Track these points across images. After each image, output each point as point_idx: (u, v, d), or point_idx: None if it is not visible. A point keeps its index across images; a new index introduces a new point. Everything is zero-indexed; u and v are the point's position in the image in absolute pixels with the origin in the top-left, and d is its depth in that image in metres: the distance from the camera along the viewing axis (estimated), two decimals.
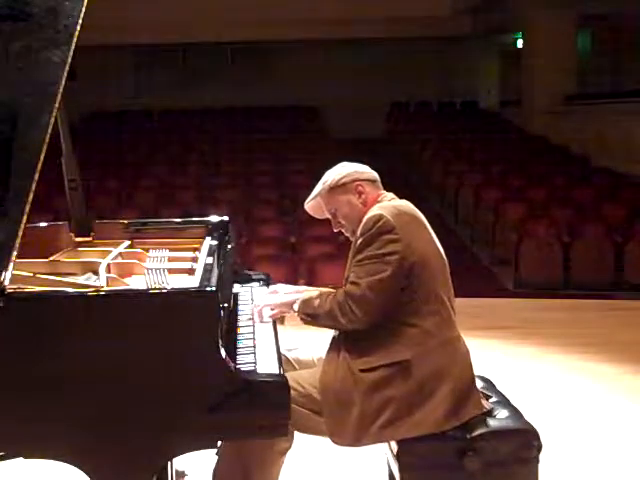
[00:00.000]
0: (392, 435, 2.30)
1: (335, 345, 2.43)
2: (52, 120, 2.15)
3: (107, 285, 2.36)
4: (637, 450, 3.64)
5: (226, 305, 2.35)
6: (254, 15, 14.35)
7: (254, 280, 3.12)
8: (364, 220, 2.38)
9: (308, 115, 15.87)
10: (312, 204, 2.59)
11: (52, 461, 2.05)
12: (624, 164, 11.23)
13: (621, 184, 10.55)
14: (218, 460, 2.46)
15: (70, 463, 2.03)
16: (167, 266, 2.74)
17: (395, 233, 2.32)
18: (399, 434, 2.29)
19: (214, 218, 3.27)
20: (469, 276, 7.58)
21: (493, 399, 2.53)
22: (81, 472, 2.03)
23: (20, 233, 2.03)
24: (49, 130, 2.14)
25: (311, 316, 2.41)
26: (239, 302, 2.83)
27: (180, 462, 2.99)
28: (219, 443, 2.30)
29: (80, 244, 3.11)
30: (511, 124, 15.29)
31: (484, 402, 2.43)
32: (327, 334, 2.51)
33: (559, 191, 10.27)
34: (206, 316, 2.02)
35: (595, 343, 5.50)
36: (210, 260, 2.59)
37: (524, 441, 2.33)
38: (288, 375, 2.19)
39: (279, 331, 2.54)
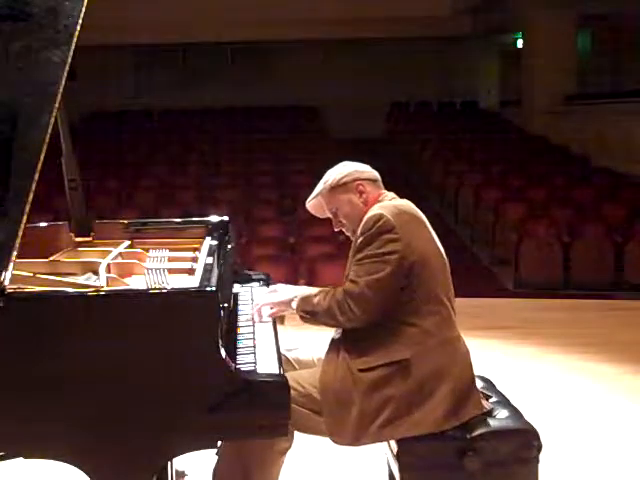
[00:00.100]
0: (391, 434, 2.30)
1: (335, 345, 2.43)
2: (52, 120, 2.15)
3: (107, 285, 2.36)
4: (637, 450, 3.64)
5: (226, 305, 2.35)
6: (254, 15, 14.35)
7: (254, 280, 3.12)
8: (364, 219, 2.39)
9: (308, 115, 15.87)
10: (313, 203, 2.60)
11: (52, 461, 2.05)
12: (624, 164, 11.23)
13: (621, 184, 10.55)
14: (218, 460, 2.46)
15: (70, 463, 2.03)
16: (167, 266, 2.74)
17: (395, 232, 2.32)
18: (398, 433, 2.29)
19: (214, 218, 3.27)
20: (469, 276, 7.58)
21: (493, 399, 2.53)
22: (81, 472, 2.03)
23: (20, 233, 2.03)
24: (49, 130, 2.14)
25: (310, 313, 2.42)
26: (239, 302, 2.83)
27: (180, 462, 2.99)
28: (219, 443, 2.30)
29: (80, 244, 3.11)
30: (511, 124, 15.29)
31: (484, 402, 2.43)
32: (327, 334, 2.51)
33: (559, 191, 10.27)
34: (206, 316, 2.02)
35: (595, 343, 5.50)
36: (210, 260, 2.59)
37: (524, 441, 2.33)
38: (288, 375, 2.19)
39: (279, 331, 2.54)
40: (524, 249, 8.28)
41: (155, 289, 2.34)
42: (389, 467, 2.65)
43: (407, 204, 2.48)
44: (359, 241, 2.37)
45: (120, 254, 2.86)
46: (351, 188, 2.51)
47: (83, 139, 10.98)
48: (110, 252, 2.80)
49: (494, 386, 2.67)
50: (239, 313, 2.70)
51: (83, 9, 2.30)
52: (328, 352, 2.44)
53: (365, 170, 2.57)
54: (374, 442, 2.34)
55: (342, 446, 2.34)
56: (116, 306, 2.03)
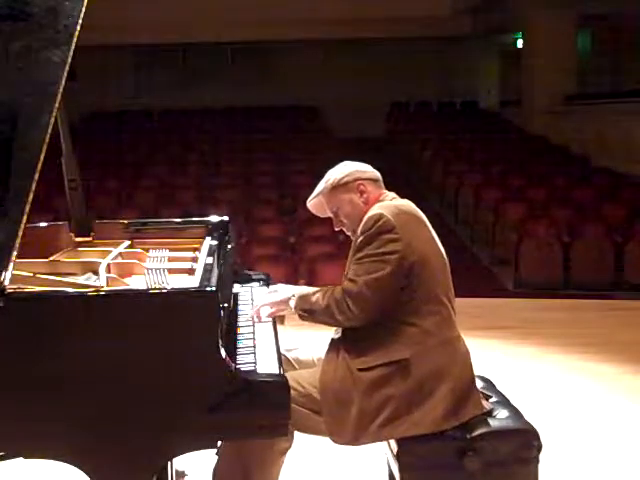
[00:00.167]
0: (391, 434, 2.30)
1: (334, 345, 2.43)
2: (52, 120, 2.15)
3: (107, 285, 2.36)
4: (637, 450, 3.64)
5: (226, 305, 2.35)
6: (254, 15, 14.35)
7: (254, 280, 3.12)
8: (364, 219, 2.39)
9: (308, 115, 15.87)
10: (314, 202, 2.60)
11: (52, 461, 2.05)
12: (624, 164, 11.23)
13: (621, 184, 10.55)
14: (218, 460, 2.46)
15: (70, 463, 2.03)
16: (167, 266, 2.74)
17: (395, 232, 2.32)
18: (398, 433, 2.29)
19: (214, 218, 3.28)
20: (469, 276, 7.58)
21: (493, 399, 2.53)
22: (81, 472, 2.03)
23: (20, 233, 2.03)
24: (49, 130, 2.14)
25: (308, 312, 2.42)
26: (239, 302, 2.83)
27: (180, 462, 2.99)
28: (219, 443, 2.30)
29: (80, 244, 3.11)
30: (511, 124, 15.30)
31: (484, 402, 2.43)
32: (327, 334, 2.51)
33: (559, 191, 10.28)
34: (206, 316, 2.02)
35: (595, 343, 5.50)
36: (210, 260, 2.59)
37: (524, 441, 2.33)
38: (288, 375, 2.19)
39: (279, 331, 2.54)
40: (524, 249, 8.29)
41: (155, 289, 2.34)
42: (389, 467, 2.65)
43: (408, 204, 2.48)
44: (359, 240, 2.38)
45: (120, 254, 2.86)
46: (352, 188, 2.51)
47: (83, 139, 10.98)
48: (110, 252, 2.80)
49: (494, 386, 2.67)
50: (239, 313, 2.70)
51: (83, 9, 2.30)
52: (328, 352, 2.44)
53: (366, 170, 2.57)
54: (374, 441, 2.34)
55: (342, 445, 2.34)
56: (116, 306, 2.03)
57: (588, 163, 12.17)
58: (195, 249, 3.02)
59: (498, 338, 5.70)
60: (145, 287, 2.42)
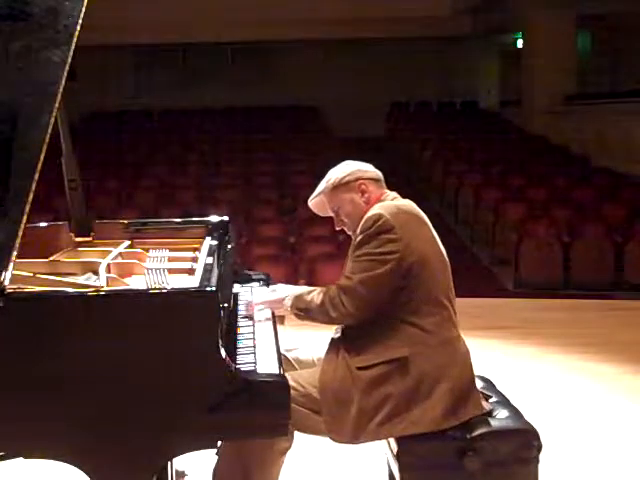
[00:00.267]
0: (390, 432, 2.30)
1: (334, 345, 2.44)
2: (52, 120, 2.15)
3: (107, 285, 2.36)
4: (637, 450, 3.64)
5: (226, 305, 2.35)
6: (254, 15, 14.35)
7: (254, 280, 3.12)
8: (364, 219, 2.39)
9: (308, 115, 15.88)
10: (315, 202, 2.61)
11: (52, 461, 2.05)
12: (624, 164, 11.24)
13: (621, 184, 10.55)
14: (218, 460, 2.46)
15: (70, 463, 2.03)
16: (167, 266, 2.74)
17: (394, 233, 2.32)
18: (397, 431, 2.29)
19: (214, 218, 3.27)
20: (469, 276, 7.58)
21: (493, 399, 2.53)
22: (81, 472, 2.03)
23: (20, 233, 2.03)
24: (49, 130, 2.13)
25: (303, 310, 2.44)
26: (239, 302, 2.83)
27: (180, 462, 2.99)
28: (219, 443, 2.30)
29: (80, 244, 3.11)
30: (511, 124, 15.30)
31: (484, 403, 2.43)
32: (327, 334, 2.52)
33: (559, 191, 10.28)
34: (206, 316, 2.02)
35: (595, 343, 5.50)
36: (210, 260, 2.59)
37: (524, 441, 2.33)
38: (288, 375, 2.19)
39: (279, 331, 2.54)
40: (524, 249, 8.29)
41: (155, 289, 2.34)
42: (389, 467, 2.65)
43: (408, 204, 2.48)
44: (358, 239, 2.38)
45: (120, 254, 2.86)
46: (353, 187, 2.51)
47: (83, 139, 10.98)
48: (110, 252, 2.80)
49: (494, 386, 2.67)
50: (239, 313, 2.70)
51: (83, 9, 2.30)
52: (328, 352, 2.44)
53: (368, 169, 2.57)
54: (373, 440, 2.34)
55: (341, 444, 2.34)
56: (116, 306, 2.03)
57: (588, 163, 12.17)
58: (195, 249, 3.02)
59: (498, 338, 5.70)
60: (145, 287, 2.42)
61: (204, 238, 3.06)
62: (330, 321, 2.40)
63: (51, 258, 2.78)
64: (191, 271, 2.69)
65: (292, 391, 2.14)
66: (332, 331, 2.50)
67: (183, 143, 13.38)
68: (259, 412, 2.03)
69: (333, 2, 14.55)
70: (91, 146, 11.96)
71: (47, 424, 2.00)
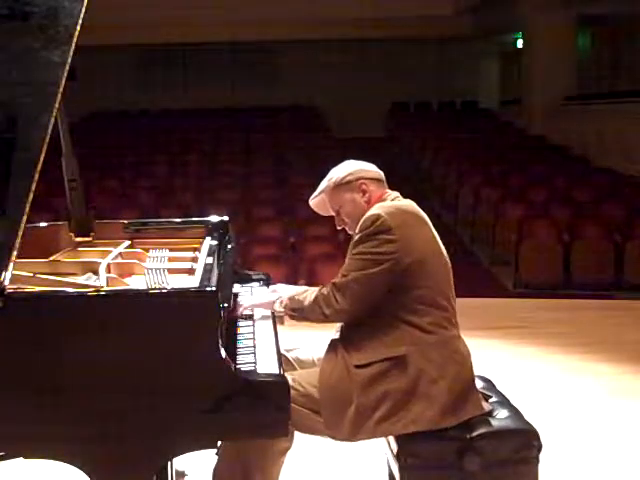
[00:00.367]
0: (388, 430, 2.30)
1: (334, 345, 2.44)
2: (52, 120, 2.15)
3: (107, 285, 2.36)
4: (637, 450, 3.64)
5: (226, 305, 2.35)
6: (254, 15, 14.35)
7: (254, 280, 3.12)
8: (362, 218, 2.39)
9: (308, 115, 15.87)
10: (317, 201, 2.61)
11: (52, 461, 2.05)
12: (624, 164, 11.23)
13: (621, 184, 10.55)
14: (218, 460, 2.46)
15: (70, 463, 2.03)
16: (167, 266, 2.74)
17: (392, 233, 2.32)
18: (395, 430, 2.29)
19: (214, 218, 3.28)
20: (469, 276, 7.58)
21: (493, 399, 2.53)
22: (81, 472, 2.03)
23: (20, 233, 2.03)
24: (49, 130, 2.14)
25: (297, 311, 2.45)
26: (239, 302, 2.83)
27: (180, 462, 2.99)
28: (219, 443, 2.30)
29: (80, 244, 3.11)
30: (511, 124, 15.30)
31: (484, 403, 2.43)
32: (327, 334, 2.52)
33: (559, 191, 10.28)
34: (206, 316, 2.02)
35: (595, 343, 5.50)
36: (210, 260, 2.60)
37: (524, 441, 2.33)
38: (288, 375, 2.19)
39: (279, 331, 2.54)
40: (524, 249, 8.29)
41: (155, 289, 2.34)
42: (389, 467, 2.65)
43: (409, 204, 2.48)
44: (356, 238, 2.39)
45: (120, 254, 2.86)
46: (354, 187, 2.51)
47: (83, 139, 10.98)
48: (110, 252, 2.80)
49: (494, 386, 2.67)
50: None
51: (83, 9, 2.31)
52: (327, 352, 2.44)
53: (370, 169, 2.57)
54: (370, 438, 2.34)
55: (340, 441, 2.34)
56: (116, 306, 2.03)
57: (588, 163, 12.17)
58: (195, 249, 3.02)
59: (498, 338, 5.70)
60: (145, 287, 2.42)
61: (204, 238, 3.06)
62: (324, 319, 2.40)
63: (51, 258, 2.78)
64: (191, 271, 2.69)
65: (292, 391, 2.15)
66: (332, 331, 2.50)
67: (183, 143, 13.37)
68: (259, 412, 2.03)
69: (333, 2, 14.54)
70: (91, 146, 11.95)
71: (47, 424, 1.99)
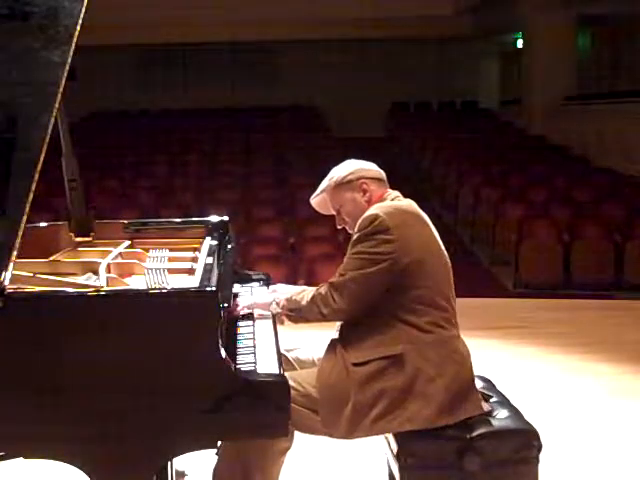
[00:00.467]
0: (385, 428, 2.31)
1: (333, 344, 2.44)
2: (52, 120, 2.15)
3: (107, 285, 2.36)
4: (637, 450, 3.64)
5: (226, 305, 2.35)
6: (254, 15, 14.35)
7: (254, 280, 3.12)
8: (361, 218, 2.39)
9: (308, 115, 15.87)
10: (317, 200, 2.61)
11: (52, 461, 2.05)
12: (624, 164, 11.23)
13: (621, 184, 10.55)
14: (218, 460, 2.46)
15: (70, 463, 2.03)
16: (167, 266, 2.74)
17: (390, 234, 2.33)
18: (392, 428, 2.30)
19: (214, 218, 3.28)
20: (469, 276, 7.58)
21: (493, 399, 2.53)
22: (81, 472, 2.03)
23: (20, 233, 2.03)
24: (49, 130, 2.14)
25: (294, 311, 2.45)
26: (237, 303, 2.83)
27: (180, 462, 2.99)
28: (219, 443, 2.30)
29: (80, 244, 3.11)
30: (511, 124, 15.30)
31: (484, 404, 2.43)
32: (327, 334, 2.52)
33: (559, 191, 10.27)
34: (206, 316, 2.02)
35: (595, 343, 5.50)
36: (210, 260, 2.60)
37: (524, 441, 2.33)
38: (288, 375, 2.19)
39: (279, 331, 2.54)
40: (524, 249, 8.29)
41: (155, 289, 2.34)
42: (389, 467, 2.65)
43: (408, 204, 2.48)
44: (354, 238, 2.39)
45: (120, 254, 2.86)
46: (355, 186, 2.52)
47: (83, 139, 10.97)
48: (110, 252, 2.80)
49: (494, 386, 2.67)
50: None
51: (83, 9, 2.31)
52: (327, 351, 2.45)
53: (370, 169, 2.57)
54: (367, 435, 2.34)
55: (338, 439, 2.35)
56: (116, 306, 2.03)
57: (588, 163, 12.17)
58: (195, 249, 3.02)
59: (498, 338, 5.70)
60: (145, 287, 2.42)
61: (204, 238, 3.06)
62: (322, 318, 2.40)
63: (51, 258, 2.78)
64: (191, 271, 2.69)
65: (292, 391, 2.15)
66: (332, 331, 2.50)
67: (183, 143, 13.37)
68: (259, 412, 2.03)
69: (333, 2, 14.54)
70: (91, 146, 11.95)
71: (47, 424, 1.99)
